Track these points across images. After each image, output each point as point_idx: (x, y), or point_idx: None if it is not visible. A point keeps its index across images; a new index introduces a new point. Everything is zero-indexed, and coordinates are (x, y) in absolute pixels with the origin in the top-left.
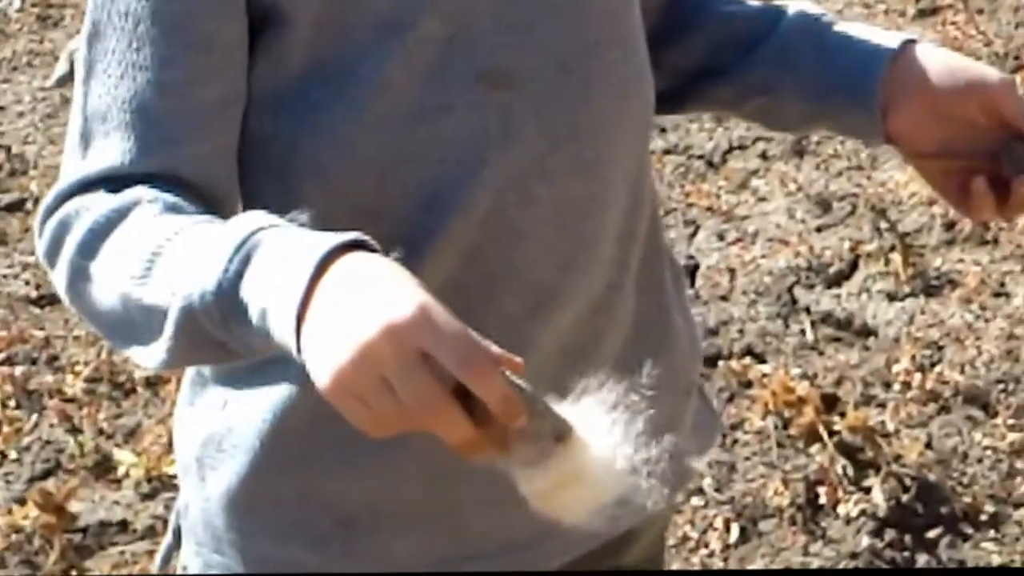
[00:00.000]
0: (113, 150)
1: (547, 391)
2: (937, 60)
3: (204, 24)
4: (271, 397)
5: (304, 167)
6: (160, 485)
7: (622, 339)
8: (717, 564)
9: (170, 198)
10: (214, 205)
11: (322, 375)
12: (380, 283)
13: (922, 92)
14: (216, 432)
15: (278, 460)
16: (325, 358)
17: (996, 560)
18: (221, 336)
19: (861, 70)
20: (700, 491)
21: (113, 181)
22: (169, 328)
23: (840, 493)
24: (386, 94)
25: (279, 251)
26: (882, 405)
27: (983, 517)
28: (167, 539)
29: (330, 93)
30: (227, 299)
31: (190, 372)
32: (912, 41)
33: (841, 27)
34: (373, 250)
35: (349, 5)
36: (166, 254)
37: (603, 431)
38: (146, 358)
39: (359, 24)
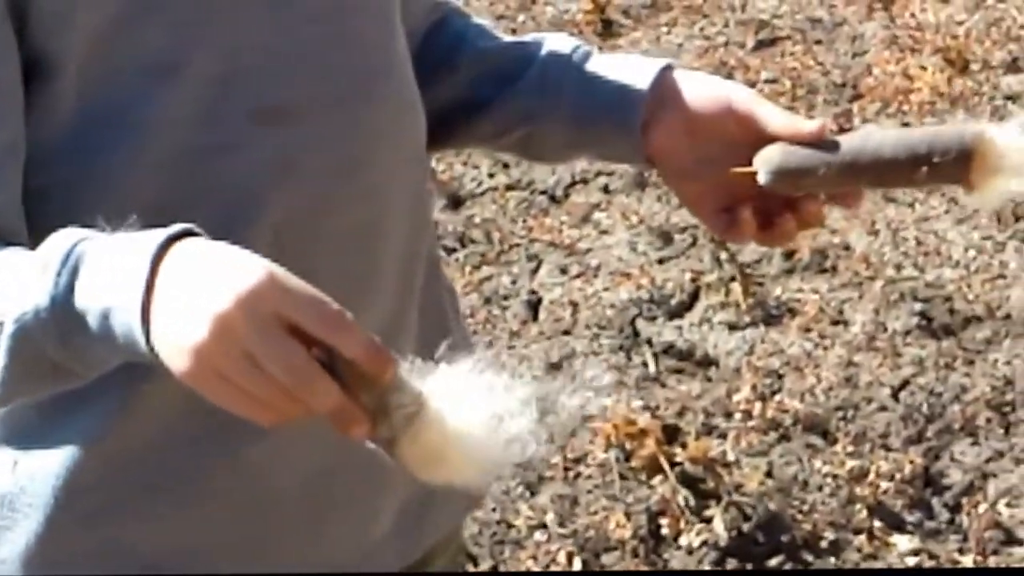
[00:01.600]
0: None
1: None
2: (692, 80)
3: None
4: (62, 453)
5: (85, 216)
6: None
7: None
8: None
9: None
10: None
11: (179, 358)
12: (222, 259)
13: (678, 111)
14: (8, 493)
15: (76, 515)
16: (181, 338)
17: None
18: (59, 355)
19: (622, 94)
20: (543, 526)
21: None
22: (1, 358)
23: (682, 524)
24: (161, 136)
25: (107, 255)
26: (723, 435)
27: (823, 544)
28: None
29: (104, 139)
30: (62, 312)
31: None
32: (671, 67)
33: (599, 56)
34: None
35: (117, 49)
36: None
37: (462, 394)
38: None
39: (129, 68)
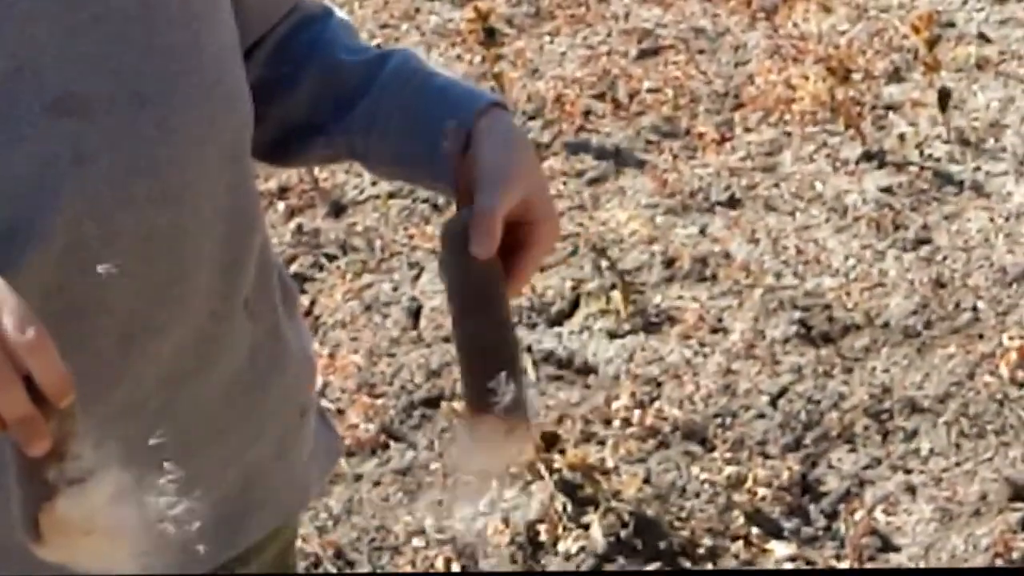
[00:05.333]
0: None
1: (153, 425)
2: (495, 140)
3: None
4: None
5: None
6: None
7: (235, 366)
8: None
9: None
10: None
11: None
12: None
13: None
14: None
15: None
16: None
17: None
18: None
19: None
20: (421, 531)
21: None
22: None
23: (560, 530)
24: None
25: None
26: (602, 442)
27: (701, 551)
28: None
29: None
30: None
31: None
32: (497, 104)
33: (433, 85)
34: None
35: None
36: None
37: (132, 487)
38: None
39: None
